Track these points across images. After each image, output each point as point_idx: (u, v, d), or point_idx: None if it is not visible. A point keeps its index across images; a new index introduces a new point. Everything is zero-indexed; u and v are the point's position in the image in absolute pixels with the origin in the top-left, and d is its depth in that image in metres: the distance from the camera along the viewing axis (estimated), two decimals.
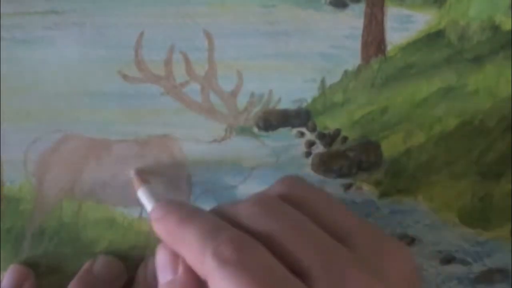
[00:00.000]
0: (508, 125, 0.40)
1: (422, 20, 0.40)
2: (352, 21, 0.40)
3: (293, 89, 0.40)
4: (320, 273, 0.29)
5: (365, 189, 0.41)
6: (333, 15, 0.39)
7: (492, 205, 0.41)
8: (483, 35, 0.40)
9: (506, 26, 0.40)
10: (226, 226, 0.31)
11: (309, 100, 0.40)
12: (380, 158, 0.41)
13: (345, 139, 0.41)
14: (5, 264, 0.40)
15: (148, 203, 0.37)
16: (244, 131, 0.40)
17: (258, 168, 0.40)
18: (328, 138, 0.41)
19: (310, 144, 0.41)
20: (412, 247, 0.41)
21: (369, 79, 0.40)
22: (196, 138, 0.40)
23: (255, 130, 0.40)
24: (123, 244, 0.40)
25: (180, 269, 0.32)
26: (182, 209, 0.33)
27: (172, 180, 0.40)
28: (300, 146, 0.40)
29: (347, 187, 0.41)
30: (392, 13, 0.40)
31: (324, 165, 0.41)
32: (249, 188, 0.40)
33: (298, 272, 0.30)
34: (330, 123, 0.41)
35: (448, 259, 0.41)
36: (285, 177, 0.35)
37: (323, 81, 0.40)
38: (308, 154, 0.41)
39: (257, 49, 0.40)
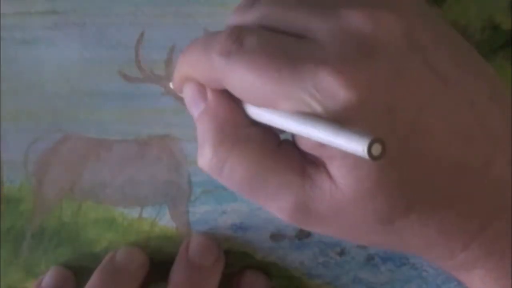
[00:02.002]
0: None
1: None
2: None
3: None
4: (317, 22, 0.29)
5: None
6: None
7: None
8: (483, 35, 0.40)
9: (506, 26, 0.39)
10: (220, 31, 0.31)
11: None
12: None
13: None
14: (5, 263, 0.40)
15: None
16: None
17: None
18: None
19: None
20: None
21: None
22: (196, 138, 0.40)
23: None
24: (123, 244, 0.40)
25: (209, 94, 0.32)
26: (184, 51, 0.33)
27: (172, 180, 0.40)
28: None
29: None
30: None
31: None
32: None
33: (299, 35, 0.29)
34: None
35: None
36: None
37: None
38: None
39: None
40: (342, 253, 0.41)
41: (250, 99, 0.30)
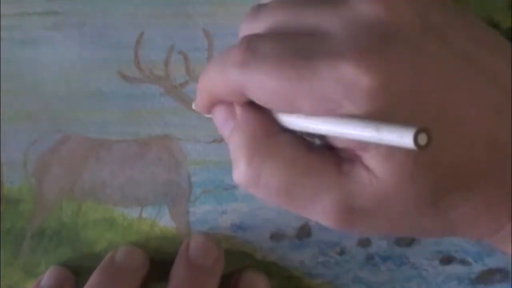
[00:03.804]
0: None
1: None
2: None
3: None
4: (328, 16, 0.29)
5: None
6: None
7: None
8: None
9: (505, 24, 0.39)
10: (232, 45, 0.31)
11: None
12: None
13: None
14: (5, 264, 0.40)
15: None
16: None
17: None
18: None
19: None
20: (412, 247, 0.41)
21: None
22: (196, 138, 0.40)
23: None
24: (123, 244, 0.40)
25: (237, 110, 0.31)
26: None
27: (172, 180, 0.40)
28: None
29: None
30: None
31: None
32: None
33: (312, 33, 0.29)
34: None
35: (448, 259, 0.41)
36: None
37: None
38: None
39: None
40: (342, 252, 0.41)
41: (274, 105, 0.30)
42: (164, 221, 0.41)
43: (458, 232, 0.31)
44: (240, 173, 0.30)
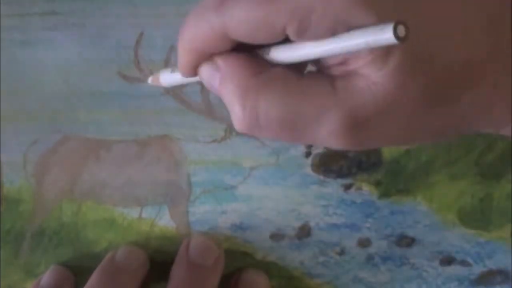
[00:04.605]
0: None
1: None
2: None
3: None
4: None
5: (365, 190, 0.41)
6: None
7: (492, 206, 0.41)
8: None
9: None
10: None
11: None
12: (380, 159, 0.41)
13: None
14: (5, 264, 0.40)
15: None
16: None
17: (258, 168, 0.40)
18: None
19: (310, 144, 0.40)
20: (412, 247, 0.41)
21: None
22: (196, 138, 0.40)
23: None
24: (122, 244, 0.40)
25: (220, 63, 0.30)
26: None
27: (171, 180, 0.40)
28: (300, 146, 0.40)
29: (347, 187, 0.41)
30: None
31: (324, 165, 0.41)
32: (249, 188, 0.40)
33: None
34: None
35: (448, 260, 0.41)
36: None
37: None
38: (308, 154, 0.41)
39: None
40: (342, 252, 0.41)
41: (259, 36, 0.29)
42: (164, 221, 0.41)
43: (472, 125, 0.30)
44: (238, 118, 0.30)
